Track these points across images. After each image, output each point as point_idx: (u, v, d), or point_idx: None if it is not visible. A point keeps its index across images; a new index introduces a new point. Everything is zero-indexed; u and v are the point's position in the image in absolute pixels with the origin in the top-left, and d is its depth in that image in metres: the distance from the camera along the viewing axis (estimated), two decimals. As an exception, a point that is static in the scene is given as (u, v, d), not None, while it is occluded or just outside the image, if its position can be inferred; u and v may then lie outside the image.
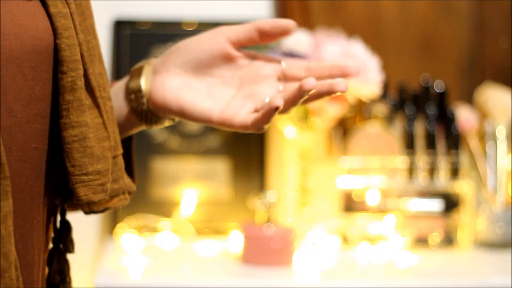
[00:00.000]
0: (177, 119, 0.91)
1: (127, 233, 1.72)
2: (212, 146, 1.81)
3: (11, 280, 0.70)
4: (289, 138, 1.75)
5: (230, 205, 1.80)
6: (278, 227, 1.61)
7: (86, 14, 0.80)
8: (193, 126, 1.81)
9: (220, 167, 1.81)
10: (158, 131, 1.79)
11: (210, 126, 1.83)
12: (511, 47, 1.96)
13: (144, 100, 0.89)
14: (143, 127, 0.92)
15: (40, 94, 0.75)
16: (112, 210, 1.80)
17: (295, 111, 1.69)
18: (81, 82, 0.76)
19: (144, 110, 0.89)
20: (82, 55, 0.78)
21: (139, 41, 1.79)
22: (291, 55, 1.68)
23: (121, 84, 0.92)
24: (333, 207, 1.74)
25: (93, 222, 1.81)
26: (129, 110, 0.90)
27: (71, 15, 0.77)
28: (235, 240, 1.67)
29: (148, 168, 1.79)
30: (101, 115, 0.80)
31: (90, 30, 0.81)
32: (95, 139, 0.78)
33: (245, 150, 1.81)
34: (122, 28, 1.78)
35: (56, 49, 0.76)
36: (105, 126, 0.80)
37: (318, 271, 1.55)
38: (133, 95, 0.89)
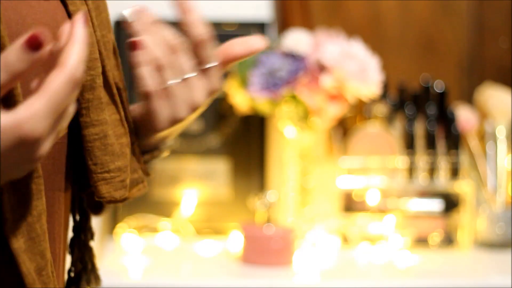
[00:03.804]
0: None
1: (127, 233, 1.72)
2: (212, 146, 1.81)
3: (48, 278, 0.71)
4: (289, 138, 1.75)
5: (230, 205, 1.80)
6: (278, 227, 1.61)
7: (101, 8, 0.81)
8: (193, 126, 1.80)
9: (220, 167, 1.81)
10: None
11: (211, 126, 1.83)
12: (511, 47, 1.96)
13: None
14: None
15: None
16: (111, 211, 1.80)
17: (295, 111, 1.69)
18: (100, 80, 0.77)
19: None
20: (100, 53, 0.78)
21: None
22: (291, 55, 1.68)
23: None
24: (333, 207, 1.74)
25: (93, 222, 1.81)
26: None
27: (89, 12, 0.78)
28: (235, 240, 1.67)
29: (148, 168, 1.78)
30: (118, 112, 0.80)
31: (106, 23, 0.81)
32: (114, 136, 0.79)
33: (245, 150, 1.81)
34: (122, 28, 1.78)
35: None
36: (122, 123, 0.80)
37: (318, 271, 1.55)
38: None
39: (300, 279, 1.51)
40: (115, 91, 0.80)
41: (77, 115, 0.77)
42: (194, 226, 1.76)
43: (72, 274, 0.85)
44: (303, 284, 1.50)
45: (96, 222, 1.90)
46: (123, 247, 1.68)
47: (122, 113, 0.81)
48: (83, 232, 0.86)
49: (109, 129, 0.78)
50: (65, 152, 0.77)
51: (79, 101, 0.76)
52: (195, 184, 1.80)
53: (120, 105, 0.81)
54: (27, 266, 0.69)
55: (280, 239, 1.57)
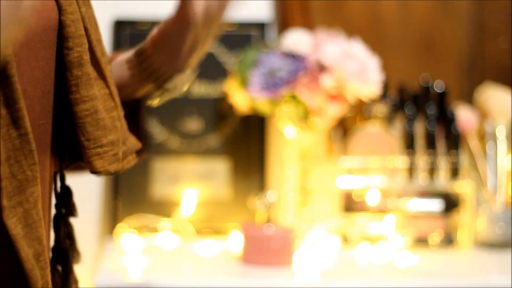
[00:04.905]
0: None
1: (127, 233, 1.72)
2: (212, 146, 1.81)
3: (45, 263, 0.72)
4: (289, 138, 1.75)
5: (230, 205, 1.80)
6: (278, 227, 1.61)
7: None
8: (193, 126, 1.80)
9: (220, 167, 1.81)
10: (158, 131, 1.79)
11: (211, 126, 1.82)
12: (511, 47, 1.96)
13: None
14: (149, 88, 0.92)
15: (48, 72, 0.76)
16: (111, 211, 1.80)
17: (295, 111, 1.69)
18: (87, 57, 0.77)
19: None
20: (86, 29, 0.78)
21: (139, 41, 1.78)
22: (291, 55, 1.68)
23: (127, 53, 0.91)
24: (333, 207, 1.74)
25: (93, 222, 1.81)
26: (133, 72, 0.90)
27: None
28: (235, 240, 1.67)
29: (148, 168, 1.79)
30: (108, 86, 0.81)
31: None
32: (104, 111, 0.79)
33: (245, 150, 1.81)
34: (122, 28, 1.78)
35: (61, 26, 0.76)
36: (112, 96, 0.81)
37: (318, 271, 1.55)
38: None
39: (300, 279, 1.51)
40: (103, 65, 0.80)
41: (67, 93, 0.77)
42: (194, 226, 1.76)
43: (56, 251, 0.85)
44: (303, 284, 1.50)
45: (96, 222, 1.91)
46: (123, 247, 1.68)
47: (112, 87, 0.81)
48: (66, 208, 0.86)
49: (99, 104, 0.78)
50: (50, 131, 0.78)
51: (68, 78, 0.77)
52: (195, 184, 1.80)
53: (108, 79, 0.81)
54: (26, 251, 0.70)
55: (280, 239, 1.57)
